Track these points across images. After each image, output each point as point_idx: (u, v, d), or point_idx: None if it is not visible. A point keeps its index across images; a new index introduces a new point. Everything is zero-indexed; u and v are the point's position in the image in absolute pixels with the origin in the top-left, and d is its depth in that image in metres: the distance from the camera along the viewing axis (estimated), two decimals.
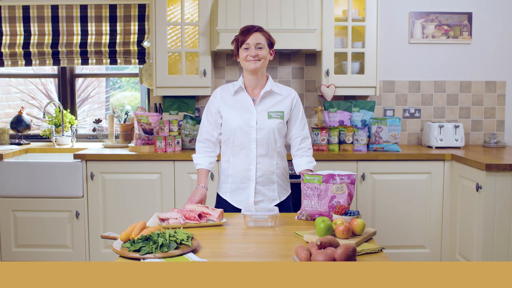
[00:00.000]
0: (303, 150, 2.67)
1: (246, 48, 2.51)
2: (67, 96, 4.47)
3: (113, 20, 4.23)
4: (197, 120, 3.96)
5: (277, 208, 2.32)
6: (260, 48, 2.50)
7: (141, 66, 4.21)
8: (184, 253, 1.84)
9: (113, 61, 4.26)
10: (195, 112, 4.21)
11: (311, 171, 2.61)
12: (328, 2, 3.86)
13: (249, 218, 2.24)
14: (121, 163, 3.70)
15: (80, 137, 4.46)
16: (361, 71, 3.99)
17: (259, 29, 2.53)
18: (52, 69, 4.61)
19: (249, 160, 2.58)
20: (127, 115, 4.27)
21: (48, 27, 4.24)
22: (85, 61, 4.27)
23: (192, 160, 2.81)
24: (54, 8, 4.23)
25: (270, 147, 2.58)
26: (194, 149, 3.79)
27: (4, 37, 4.27)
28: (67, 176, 3.68)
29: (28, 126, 4.27)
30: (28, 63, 4.29)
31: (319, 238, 1.82)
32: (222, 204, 2.67)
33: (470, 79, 4.25)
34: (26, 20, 4.24)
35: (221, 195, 2.68)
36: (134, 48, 4.24)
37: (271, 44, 2.57)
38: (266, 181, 2.61)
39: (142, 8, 4.21)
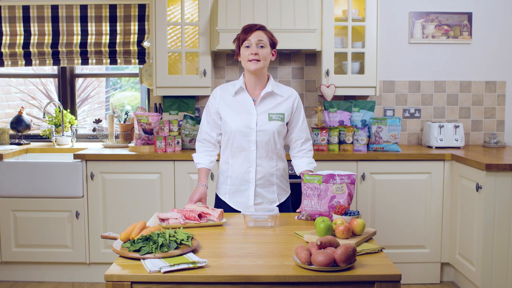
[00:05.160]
0: (304, 152, 2.64)
1: (248, 46, 2.46)
2: (67, 96, 4.47)
3: (113, 20, 4.23)
4: (197, 120, 3.96)
5: (277, 208, 2.32)
6: (262, 46, 2.45)
7: (141, 66, 4.21)
8: (184, 253, 1.84)
9: (113, 61, 4.26)
10: (195, 112, 4.20)
11: (311, 172, 2.60)
12: (328, 2, 3.86)
13: (249, 218, 2.24)
14: (121, 163, 3.70)
15: (80, 137, 4.46)
16: (361, 71, 3.99)
17: (261, 28, 2.49)
18: (52, 69, 4.61)
19: (249, 162, 2.56)
20: (127, 115, 4.27)
21: (48, 27, 4.24)
22: (85, 61, 4.27)
23: (192, 160, 2.82)
24: (54, 8, 4.22)
25: (270, 149, 2.55)
26: (194, 149, 3.79)
27: (4, 37, 4.27)
28: (67, 176, 3.68)
29: (28, 126, 4.27)
30: (28, 63, 4.28)
31: (319, 238, 1.82)
32: (221, 206, 2.65)
33: (470, 79, 4.25)
34: (26, 20, 4.24)
35: (220, 196, 2.66)
36: (134, 48, 4.24)
37: (273, 44, 2.52)
38: (265, 183, 2.59)
39: (142, 8, 4.21)
